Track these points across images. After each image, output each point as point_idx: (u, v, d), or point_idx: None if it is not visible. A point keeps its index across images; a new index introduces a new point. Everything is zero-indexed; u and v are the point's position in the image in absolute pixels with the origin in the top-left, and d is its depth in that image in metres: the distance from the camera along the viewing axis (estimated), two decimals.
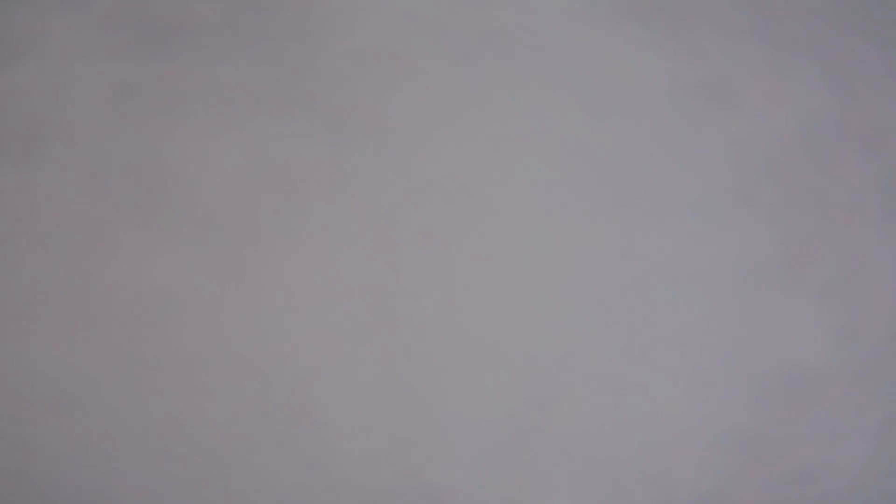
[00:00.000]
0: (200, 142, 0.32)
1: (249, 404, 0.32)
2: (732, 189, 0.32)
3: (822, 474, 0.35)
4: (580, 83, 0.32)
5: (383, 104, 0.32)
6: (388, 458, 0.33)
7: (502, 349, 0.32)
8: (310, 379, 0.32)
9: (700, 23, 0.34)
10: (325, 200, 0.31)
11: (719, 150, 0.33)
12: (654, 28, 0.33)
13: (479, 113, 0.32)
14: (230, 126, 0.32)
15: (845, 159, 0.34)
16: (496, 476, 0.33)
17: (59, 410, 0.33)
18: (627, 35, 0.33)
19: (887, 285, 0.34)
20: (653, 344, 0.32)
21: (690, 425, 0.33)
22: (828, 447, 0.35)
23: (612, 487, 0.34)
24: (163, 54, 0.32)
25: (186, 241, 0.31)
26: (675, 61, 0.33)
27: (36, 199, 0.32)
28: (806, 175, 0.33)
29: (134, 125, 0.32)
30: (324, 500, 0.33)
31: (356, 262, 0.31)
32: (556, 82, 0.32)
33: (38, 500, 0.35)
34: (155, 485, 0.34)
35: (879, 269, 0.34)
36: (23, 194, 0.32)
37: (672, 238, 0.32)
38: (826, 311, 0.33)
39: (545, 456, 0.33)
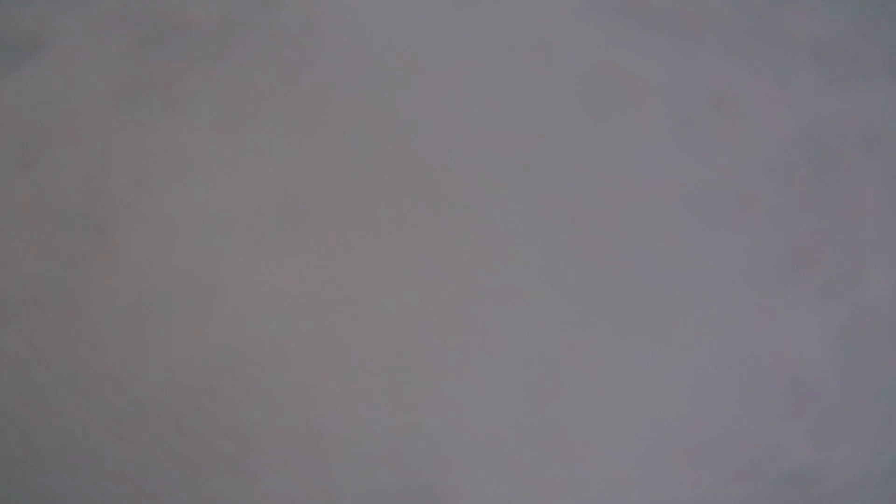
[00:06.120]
0: (200, 142, 0.32)
1: (249, 404, 0.32)
2: (733, 189, 0.32)
3: (822, 474, 0.35)
4: (581, 85, 0.32)
5: (384, 104, 0.32)
6: (388, 458, 0.33)
7: (502, 351, 0.32)
8: (309, 379, 0.32)
9: (701, 23, 0.34)
10: (325, 200, 0.31)
11: (720, 151, 0.33)
12: (654, 29, 0.33)
13: (479, 113, 0.32)
14: (230, 126, 0.32)
15: (845, 159, 0.34)
16: (496, 477, 0.33)
17: (59, 410, 0.33)
18: (628, 36, 0.33)
19: (887, 285, 0.34)
20: (652, 345, 0.32)
21: (690, 425, 0.33)
22: (828, 447, 0.35)
23: (612, 488, 0.34)
24: (163, 54, 0.32)
25: (186, 241, 0.32)
26: (675, 62, 0.33)
27: (36, 199, 0.32)
28: (806, 175, 0.33)
29: (134, 125, 0.32)
30: (324, 501, 0.33)
31: (356, 262, 0.31)
32: (557, 84, 0.32)
33: (38, 499, 0.35)
34: (155, 485, 0.34)
35: (879, 269, 0.34)
36: (23, 194, 0.32)
37: (672, 239, 0.32)
38: (826, 311, 0.33)
39: (545, 457, 0.33)
